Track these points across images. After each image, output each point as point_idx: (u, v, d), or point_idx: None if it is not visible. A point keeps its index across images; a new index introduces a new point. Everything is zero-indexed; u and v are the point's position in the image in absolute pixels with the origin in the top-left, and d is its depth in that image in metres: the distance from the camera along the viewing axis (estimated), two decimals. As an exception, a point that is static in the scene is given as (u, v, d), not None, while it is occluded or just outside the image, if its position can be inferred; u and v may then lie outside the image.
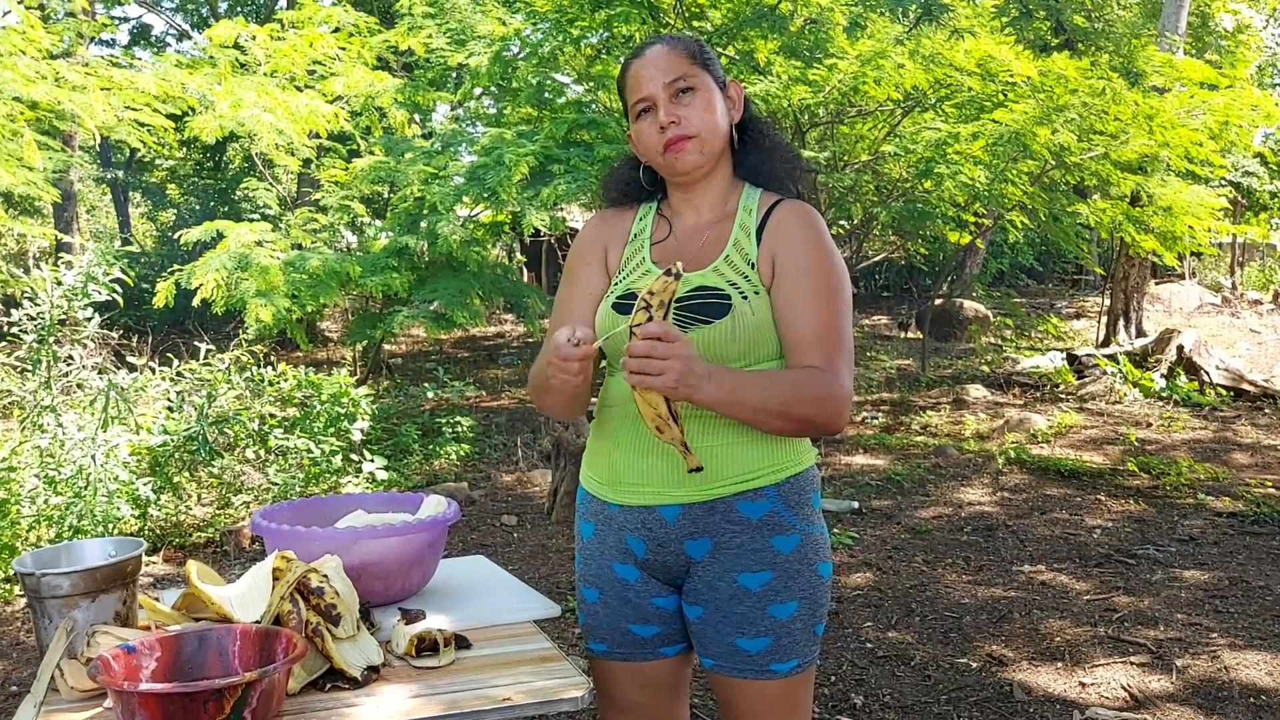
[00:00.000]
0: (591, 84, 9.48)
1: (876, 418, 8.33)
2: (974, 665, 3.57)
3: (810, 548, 1.69)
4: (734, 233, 1.70)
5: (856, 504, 5.67)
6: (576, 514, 1.85)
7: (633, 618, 1.75)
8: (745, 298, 1.64)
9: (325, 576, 1.59)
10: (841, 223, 11.69)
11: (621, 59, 9.29)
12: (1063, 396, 8.93)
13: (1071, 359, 9.95)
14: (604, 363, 1.77)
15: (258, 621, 1.55)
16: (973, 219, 9.85)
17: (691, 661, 1.84)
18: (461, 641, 1.69)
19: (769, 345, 1.65)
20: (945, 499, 5.86)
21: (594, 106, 9.51)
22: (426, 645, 1.64)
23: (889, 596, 4.28)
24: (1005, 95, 8.45)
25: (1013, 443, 7.08)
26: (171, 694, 1.31)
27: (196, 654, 1.51)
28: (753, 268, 1.67)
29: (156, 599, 1.83)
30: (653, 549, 1.69)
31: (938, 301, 12.64)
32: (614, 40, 8.97)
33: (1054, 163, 8.71)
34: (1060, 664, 3.56)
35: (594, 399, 1.78)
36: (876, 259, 12.90)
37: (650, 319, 1.45)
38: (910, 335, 13.42)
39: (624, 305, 1.69)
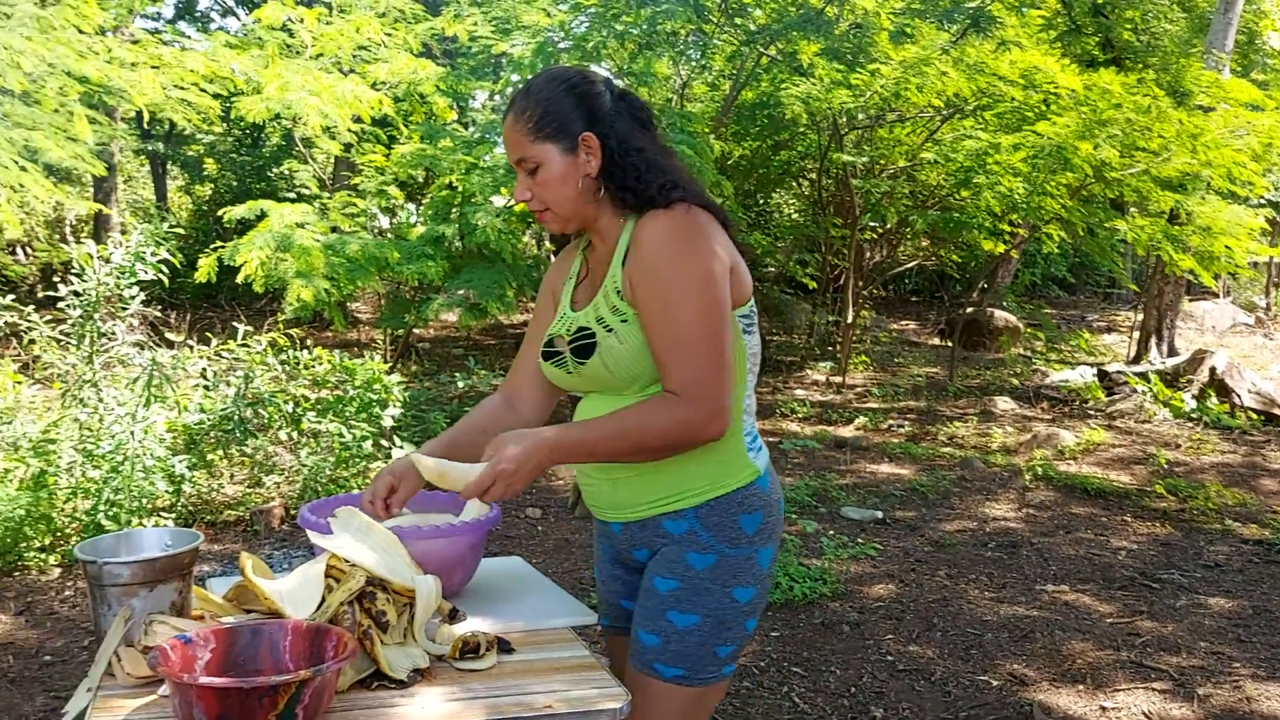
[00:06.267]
0: (632, 79, 9.50)
1: (903, 426, 8.33)
2: (994, 683, 3.58)
3: (728, 570, 1.73)
4: (613, 263, 1.75)
5: (880, 514, 5.68)
6: None
7: (624, 594, 1.92)
8: (610, 330, 1.69)
9: (381, 584, 1.63)
10: (874, 226, 11.67)
11: (663, 54, 9.29)
12: (1092, 413, 8.89)
13: (1102, 375, 9.90)
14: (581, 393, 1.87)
15: (312, 619, 1.59)
16: (1008, 229, 9.82)
17: None
18: (503, 645, 1.73)
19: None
20: (970, 513, 5.87)
21: (634, 101, 9.51)
22: (470, 648, 1.67)
23: (911, 610, 4.30)
24: (1048, 106, 8.42)
25: (1040, 458, 7.06)
26: (229, 688, 1.35)
27: (249, 647, 1.56)
28: (619, 295, 1.70)
29: (203, 581, 1.88)
30: (616, 554, 1.90)
31: (968, 310, 12.59)
32: (658, 36, 8.99)
33: (1094, 177, 8.67)
34: (1081, 687, 3.57)
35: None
36: (909, 265, 12.88)
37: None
38: (938, 343, 13.37)
39: (545, 353, 1.84)
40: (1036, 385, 10.20)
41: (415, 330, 10.13)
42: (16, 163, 5.86)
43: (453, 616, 1.82)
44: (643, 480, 1.74)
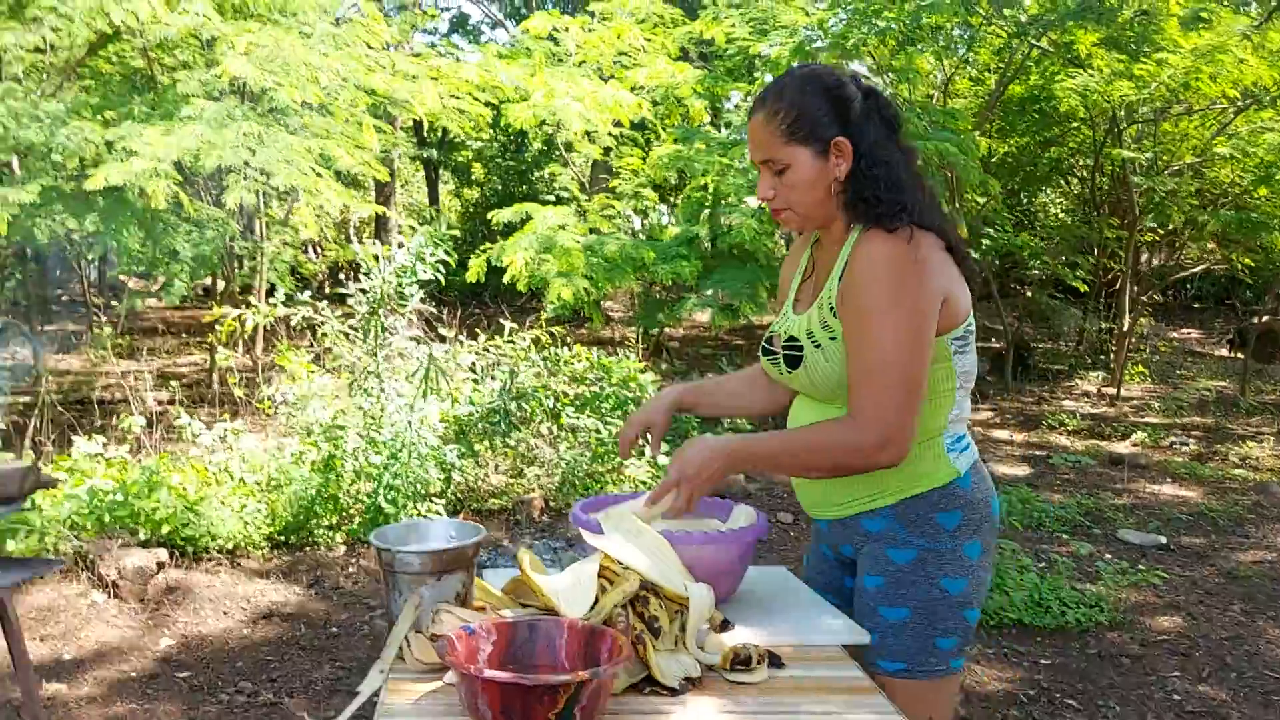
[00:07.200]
0: (893, 75, 9.24)
1: (1187, 444, 7.66)
2: (1302, 737, 3.22)
3: (933, 562, 1.75)
4: (832, 274, 1.74)
5: (1163, 539, 5.24)
6: None
7: (825, 583, 1.99)
8: (819, 346, 1.73)
9: (653, 588, 1.62)
10: (1154, 227, 10.82)
11: (925, 50, 8.96)
12: None
13: None
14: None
15: (587, 618, 1.61)
16: (1314, 230, 8.86)
17: None
18: (774, 660, 1.68)
19: None
20: (1269, 543, 5.31)
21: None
22: (740, 659, 1.64)
23: (1200, 646, 3.93)
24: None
25: (1352, 486, 6.31)
26: (512, 684, 1.37)
27: (528, 642, 1.58)
28: (833, 311, 1.72)
29: (479, 571, 1.94)
30: (828, 545, 1.96)
31: (1264, 318, 11.45)
32: (920, 31, 8.68)
33: None
34: None
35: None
36: (1194, 269, 11.87)
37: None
38: (1227, 354, 12.25)
39: (764, 349, 1.89)
40: (1346, 404, 9.16)
41: (666, 329, 10.29)
42: (313, 169, 6.37)
43: (723, 626, 1.79)
44: (841, 479, 1.79)
